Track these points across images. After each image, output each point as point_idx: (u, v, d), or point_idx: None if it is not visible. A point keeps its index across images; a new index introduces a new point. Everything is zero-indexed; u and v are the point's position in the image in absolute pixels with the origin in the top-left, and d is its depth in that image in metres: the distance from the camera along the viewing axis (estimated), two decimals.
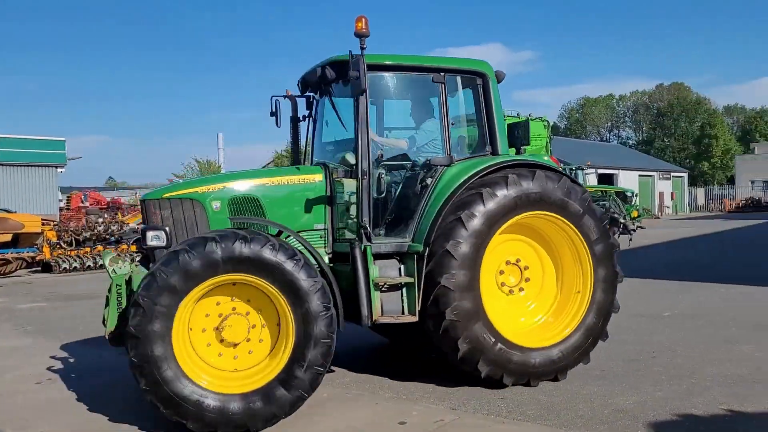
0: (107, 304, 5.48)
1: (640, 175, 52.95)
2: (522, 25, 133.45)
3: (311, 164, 6.85)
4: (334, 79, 6.23)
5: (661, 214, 50.90)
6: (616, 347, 7.23)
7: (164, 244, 5.65)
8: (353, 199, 5.96)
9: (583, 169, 35.07)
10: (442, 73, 6.30)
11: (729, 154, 76.25)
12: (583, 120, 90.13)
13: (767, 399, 5.40)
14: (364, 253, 5.71)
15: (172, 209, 5.81)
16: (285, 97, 7.14)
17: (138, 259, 5.80)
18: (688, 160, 79.03)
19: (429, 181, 6.14)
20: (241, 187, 5.96)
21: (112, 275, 5.39)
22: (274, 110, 7.02)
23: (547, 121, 21.10)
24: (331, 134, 6.85)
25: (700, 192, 66.17)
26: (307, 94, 7.07)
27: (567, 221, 6.08)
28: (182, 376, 4.88)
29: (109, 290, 5.43)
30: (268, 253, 5.00)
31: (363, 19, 5.64)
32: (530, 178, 5.95)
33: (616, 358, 6.86)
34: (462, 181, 5.96)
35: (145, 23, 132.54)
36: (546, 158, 6.53)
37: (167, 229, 5.71)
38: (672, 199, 56.81)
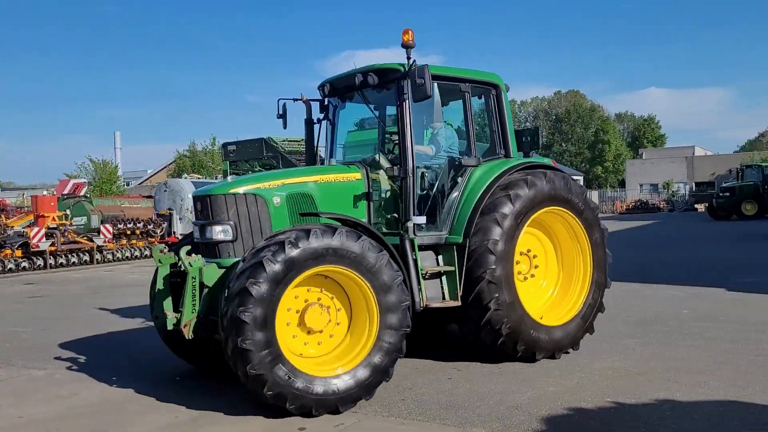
0: (162, 297, 5.78)
1: None
2: (428, 30, 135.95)
3: (327, 165, 7.33)
4: (376, 84, 6.57)
5: None
6: None
7: (231, 238, 5.90)
8: (388, 195, 6.67)
9: None
10: (468, 84, 6.94)
11: (620, 158, 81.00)
12: None
13: (649, 391, 5.70)
14: (411, 244, 6.23)
15: (237, 204, 5.96)
16: (296, 100, 7.50)
17: (166, 250, 6.05)
18: (583, 164, 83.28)
19: (459, 180, 6.83)
20: (298, 183, 6.31)
21: (188, 268, 5.52)
22: (281, 113, 7.45)
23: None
24: (350, 137, 7.62)
25: (595, 194, 69.78)
26: (322, 98, 7.44)
27: (566, 209, 6.98)
28: (284, 361, 5.18)
29: (163, 284, 5.79)
30: (360, 248, 5.45)
31: (410, 32, 6.23)
32: (544, 179, 6.84)
33: None
34: (491, 181, 6.69)
35: (27, 24, 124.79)
36: (547, 161, 7.40)
37: (233, 223, 5.89)
38: None
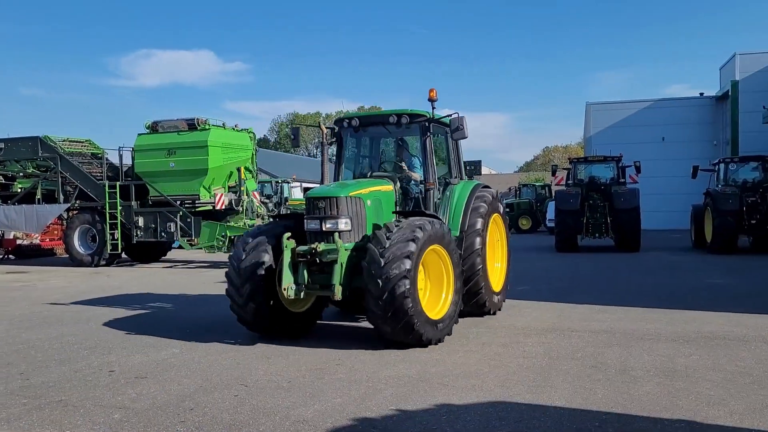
0: (288, 274, 7.77)
1: None
2: (234, 36, 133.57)
3: (338, 180, 9.45)
4: (407, 123, 9.11)
5: None
6: (305, 358, 7.46)
7: (350, 228, 8.11)
8: (400, 202, 9.24)
9: (288, 182, 36.16)
10: (446, 127, 9.49)
11: None
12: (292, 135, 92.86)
13: (429, 396, 5.97)
14: None
15: (352, 204, 8.19)
16: (308, 125, 10.89)
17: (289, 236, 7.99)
18: None
19: (447, 194, 9.58)
20: (377, 191, 8.68)
21: (340, 247, 7.75)
22: (294, 135, 10.31)
23: (253, 134, 21.16)
24: (361, 160, 10.07)
25: None
26: (346, 127, 9.61)
27: (498, 213, 10.46)
28: (423, 310, 7.64)
29: (289, 264, 7.81)
30: (443, 231, 8.11)
31: (434, 90, 8.83)
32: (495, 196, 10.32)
33: (304, 368, 7.01)
34: (469, 194, 9.62)
35: None
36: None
37: (350, 217, 8.11)
38: None
